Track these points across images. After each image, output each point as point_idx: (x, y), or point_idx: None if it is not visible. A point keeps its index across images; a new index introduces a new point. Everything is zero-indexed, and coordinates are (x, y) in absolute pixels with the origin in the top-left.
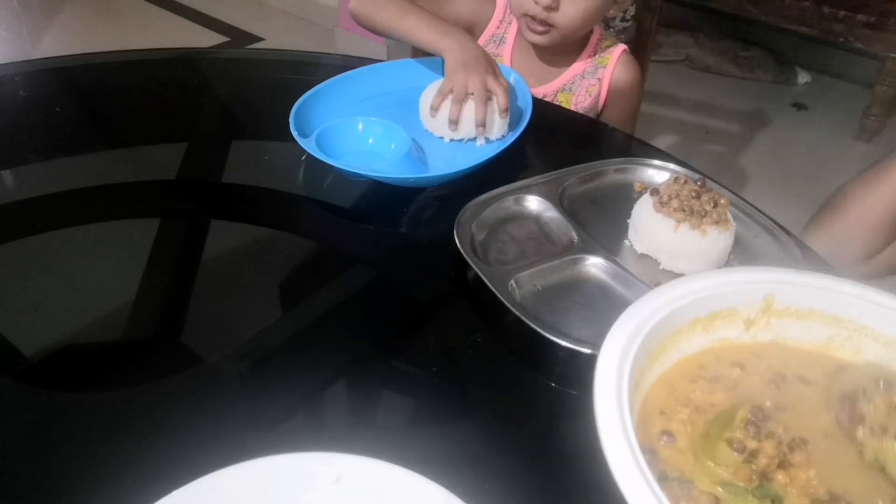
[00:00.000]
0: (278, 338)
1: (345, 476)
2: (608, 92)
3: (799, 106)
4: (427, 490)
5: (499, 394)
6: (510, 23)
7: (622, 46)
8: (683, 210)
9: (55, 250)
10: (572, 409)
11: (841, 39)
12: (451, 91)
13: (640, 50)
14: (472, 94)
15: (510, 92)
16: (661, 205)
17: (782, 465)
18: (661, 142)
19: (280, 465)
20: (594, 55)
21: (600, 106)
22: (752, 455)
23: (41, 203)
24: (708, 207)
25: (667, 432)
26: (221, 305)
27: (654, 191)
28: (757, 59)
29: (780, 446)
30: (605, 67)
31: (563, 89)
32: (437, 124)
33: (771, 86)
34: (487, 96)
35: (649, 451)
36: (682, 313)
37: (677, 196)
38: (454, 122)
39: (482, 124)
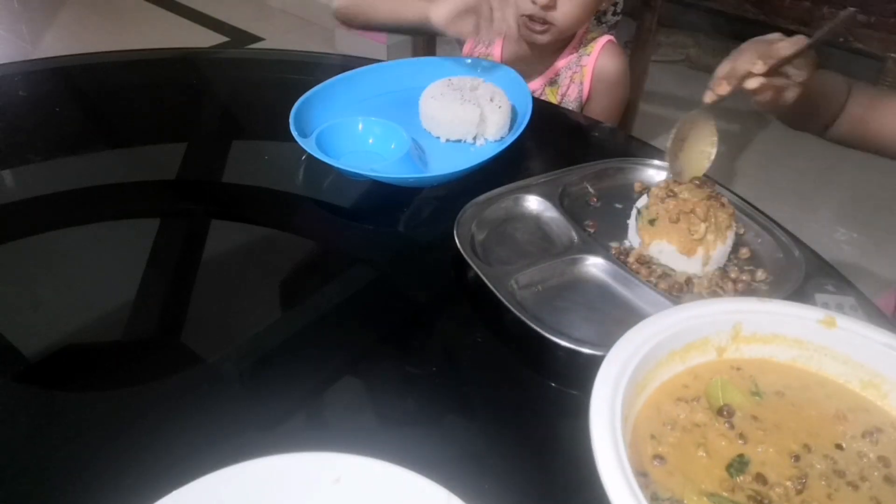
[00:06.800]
0: (278, 338)
1: (345, 476)
2: (592, 80)
3: None
4: (427, 490)
5: (499, 394)
6: None
7: (608, 37)
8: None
9: (55, 250)
10: (572, 409)
11: (841, 39)
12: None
13: (640, 50)
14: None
15: (509, 90)
16: (650, 226)
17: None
18: (662, 142)
19: (280, 465)
20: (579, 47)
21: (585, 95)
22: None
23: (41, 203)
24: (695, 227)
25: (658, 456)
26: (221, 305)
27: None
28: None
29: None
30: (588, 55)
31: (550, 83)
32: (436, 124)
33: None
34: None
35: (642, 475)
36: (660, 348)
37: (660, 216)
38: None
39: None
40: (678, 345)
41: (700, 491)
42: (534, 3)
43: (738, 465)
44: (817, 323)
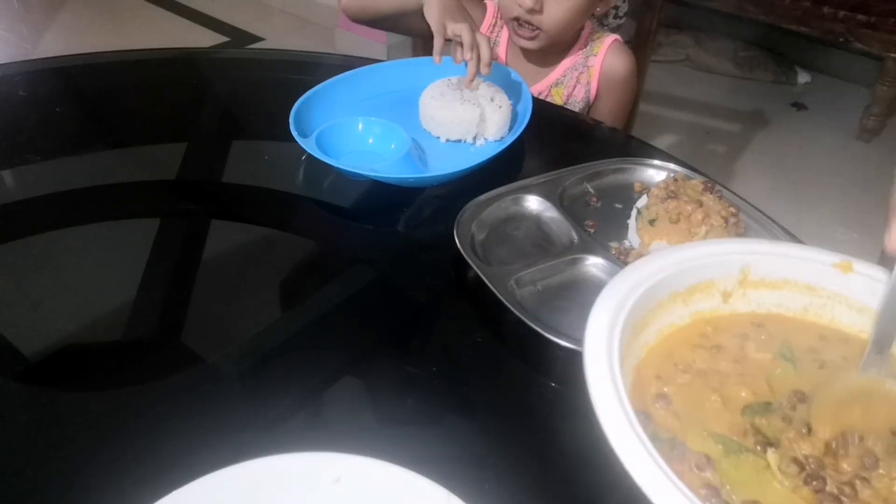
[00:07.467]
0: (278, 338)
1: (344, 476)
2: (599, 80)
3: (799, 106)
4: (427, 490)
5: (499, 394)
6: (502, 27)
7: (614, 36)
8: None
9: (55, 250)
10: (572, 408)
11: (841, 39)
12: (445, 32)
13: (640, 50)
14: (460, 38)
15: (509, 90)
16: (650, 226)
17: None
18: (661, 142)
19: (280, 465)
20: (585, 48)
21: (592, 95)
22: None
23: (41, 203)
24: (697, 229)
25: (662, 395)
26: (221, 305)
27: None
28: (757, 59)
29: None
30: (595, 56)
31: (555, 84)
32: (436, 124)
33: (771, 86)
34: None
35: (643, 414)
36: (662, 287)
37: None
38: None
39: (489, 64)
40: (681, 286)
41: (706, 431)
42: (520, 5)
43: (758, 408)
44: (833, 267)
